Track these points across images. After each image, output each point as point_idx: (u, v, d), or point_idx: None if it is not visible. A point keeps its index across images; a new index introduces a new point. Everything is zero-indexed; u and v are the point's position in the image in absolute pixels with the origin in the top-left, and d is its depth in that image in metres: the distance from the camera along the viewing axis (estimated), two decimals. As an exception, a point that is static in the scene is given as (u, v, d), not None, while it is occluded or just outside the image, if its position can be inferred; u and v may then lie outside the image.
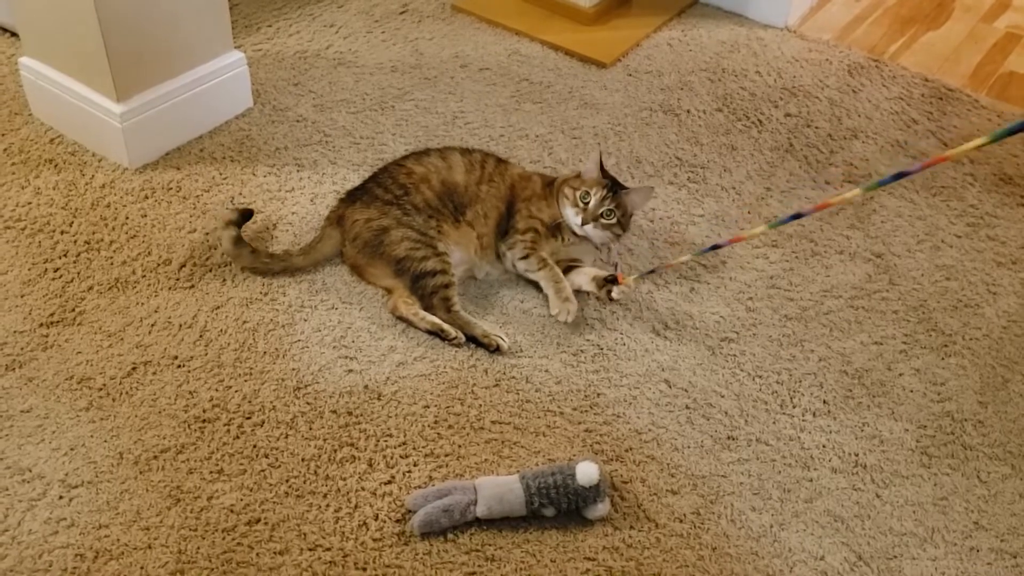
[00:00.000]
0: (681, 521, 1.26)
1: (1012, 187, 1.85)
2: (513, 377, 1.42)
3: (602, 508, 1.23)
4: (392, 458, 1.29)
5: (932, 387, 1.46)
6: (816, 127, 1.96)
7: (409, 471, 1.27)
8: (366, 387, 1.38)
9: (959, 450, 1.37)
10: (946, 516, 1.28)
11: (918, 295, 1.61)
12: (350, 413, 1.34)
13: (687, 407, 1.41)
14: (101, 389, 1.34)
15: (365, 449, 1.30)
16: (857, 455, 1.36)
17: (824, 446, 1.36)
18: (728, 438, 1.37)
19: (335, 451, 1.29)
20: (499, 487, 1.21)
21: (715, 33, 2.22)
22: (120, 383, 1.35)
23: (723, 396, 1.43)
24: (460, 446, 1.31)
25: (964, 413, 1.43)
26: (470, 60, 2.08)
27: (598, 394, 1.41)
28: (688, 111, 1.99)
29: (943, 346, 1.53)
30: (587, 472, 1.21)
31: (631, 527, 1.24)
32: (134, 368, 1.37)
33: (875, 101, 2.05)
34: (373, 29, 2.15)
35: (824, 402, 1.43)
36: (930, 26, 2.32)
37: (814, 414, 1.41)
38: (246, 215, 1.58)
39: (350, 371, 1.40)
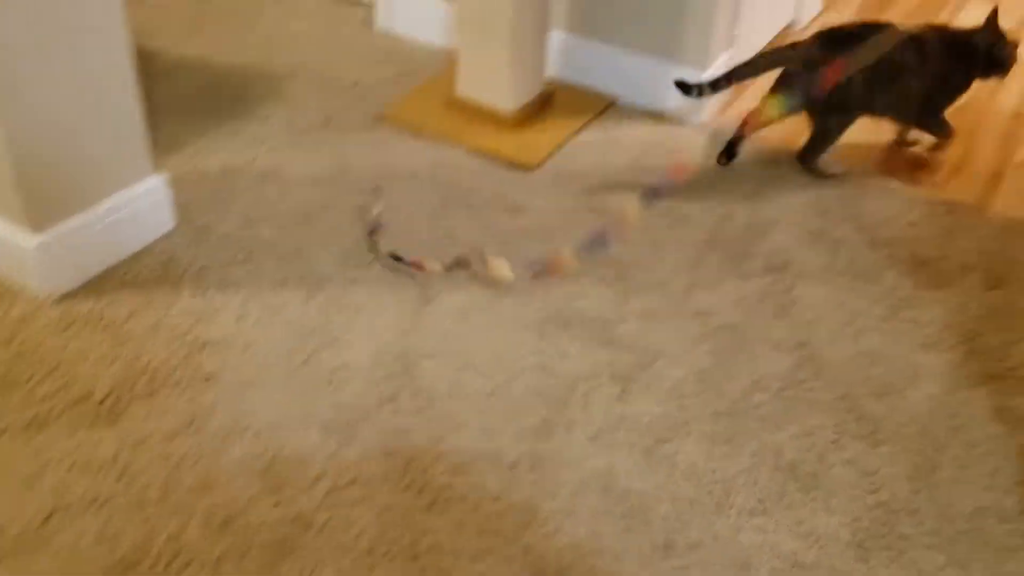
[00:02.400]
0: (624, 637, 1.24)
1: (927, 269, 1.90)
2: (448, 498, 1.40)
3: (542, 631, 1.20)
4: (325, 592, 1.25)
5: (864, 477, 1.48)
6: (735, 219, 2.01)
7: (343, 605, 1.24)
8: (296, 517, 1.35)
9: (895, 541, 1.38)
10: (886, 612, 1.29)
11: (844, 382, 1.64)
12: (280, 545, 1.31)
13: (625, 515, 1.40)
14: (16, 538, 1.29)
15: (297, 584, 1.26)
16: (795, 553, 1.36)
17: (761, 546, 1.36)
18: (666, 545, 1.36)
19: (265, 588, 1.25)
20: (436, 616, 1.19)
21: (634, 132, 2.28)
22: (37, 531, 1.30)
23: (660, 500, 1.42)
24: None
25: (898, 502, 1.44)
26: (396, 169, 2.10)
27: (535, 508, 1.39)
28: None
29: (872, 434, 1.55)
30: (525, 594, 1.19)
31: (573, 648, 1.21)
32: (52, 514, 1.32)
33: (790, 189, 2.11)
34: (298, 141, 2.17)
35: (759, 500, 1.43)
36: (839, 114, 2.41)
37: (750, 513, 1.41)
38: None
39: (278, 503, 1.37)
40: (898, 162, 2.22)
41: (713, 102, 2.35)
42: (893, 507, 1.43)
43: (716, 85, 2.09)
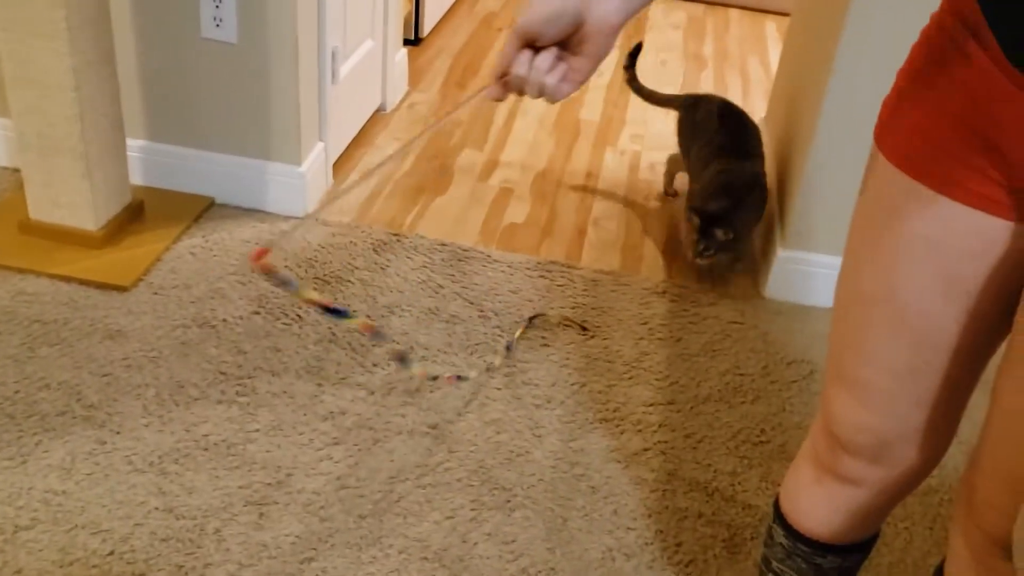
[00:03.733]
0: None
1: (533, 330, 2.05)
2: None
3: None
4: None
5: (504, 547, 1.54)
6: (354, 311, 2.03)
7: None
8: None
9: (540, 605, 1.45)
10: None
11: (476, 457, 1.71)
12: None
13: (278, 650, 1.33)
14: None
15: None
16: (453, 643, 1.37)
17: (420, 645, 1.36)
18: (326, 671, 1.31)
19: None
20: None
21: (237, 233, 2.22)
22: None
23: (313, 624, 1.37)
24: None
25: (537, 565, 1.52)
26: (-35, 312, 1.85)
27: (177, 671, 1.28)
28: (224, 320, 1.95)
29: (506, 502, 1.63)
30: None
31: None
32: None
33: (403, 274, 2.18)
34: None
35: (412, 597, 1.44)
36: (438, 192, 2.54)
37: (405, 613, 1.41)
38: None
39: None
40: (494, 231, 2.39)
41: (316, 193, 2.37)
42: (533, 572, 1.51)
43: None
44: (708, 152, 2.29)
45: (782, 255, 2.15)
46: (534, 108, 2.99)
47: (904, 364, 0.93)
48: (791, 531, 1.11)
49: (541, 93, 0.85)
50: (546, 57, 0.84)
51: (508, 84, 0.87)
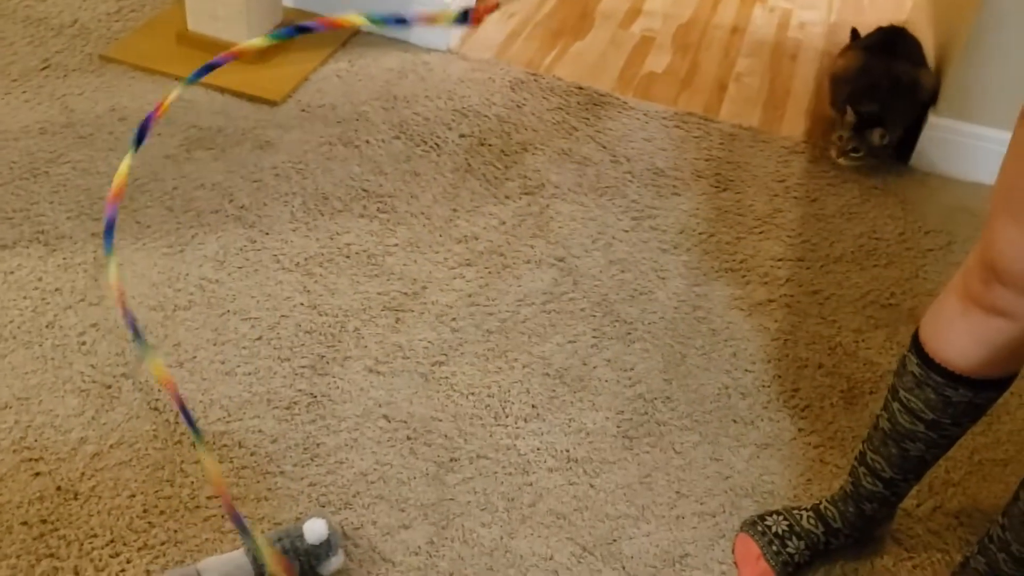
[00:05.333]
0: (416, 554, 1.27)
1: (664, 178, 2.05)
2: (224, 445, 1.36)
3: (336, 561, 1.21)
4: (101, 560, 1.19)
5: (623, 373, 1.59)
6: (489, 145, 2.06)
7: (123, 570, 1.19)
8: (59, 488, 1.26)
9: (654, 427, 1.51)
10: (652, 491, 1.41)
11: (599, 291, 1.75)
12: (44, 521, 1.22)
13: (408, 438, 1.43)
14: None
15: (68, 557, 1.19)
16: (568, 451, 1.45)
17: (538, 448, 1.44)
18: (451, 460, 1.41)
19: (32, 567, 1.17)
20: (225, 565, 1.16)
21: (381, 61, 2.26)
22: None
23: (440, 420, 1.46)
24: (176, 531, 1.24)
25: (653, 392, 1.57)
26: (128, 112, 1.96)
27: (317, 444, 1.39)
28: (367, 141, 2.01)
29: (627, 334, 1.67)
30: (314, 529, 1.19)
31: (368, 572, 1.24)
32: None
33: (538, 113, 2.18)
34: (12, 89, 1.96)
35: (533, 406, 1.51)
36: (577, 36, 2.51)
37: (525, 419, 1.49)
38: None
39: (37, 474, 1.28)
40: (631, 79, 2.35)
41: (460, 30, 2.37)
42: (649, 397, 1.55)
43: None
44: (858, 49, 2.17)
45: (934, 122, 2.05)
46: (683, -41, 2.88)
47: None
48: (927, 360, 1.12)
49: None
50: None
51: None
